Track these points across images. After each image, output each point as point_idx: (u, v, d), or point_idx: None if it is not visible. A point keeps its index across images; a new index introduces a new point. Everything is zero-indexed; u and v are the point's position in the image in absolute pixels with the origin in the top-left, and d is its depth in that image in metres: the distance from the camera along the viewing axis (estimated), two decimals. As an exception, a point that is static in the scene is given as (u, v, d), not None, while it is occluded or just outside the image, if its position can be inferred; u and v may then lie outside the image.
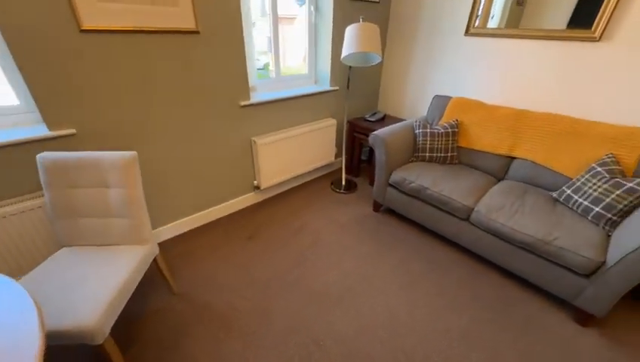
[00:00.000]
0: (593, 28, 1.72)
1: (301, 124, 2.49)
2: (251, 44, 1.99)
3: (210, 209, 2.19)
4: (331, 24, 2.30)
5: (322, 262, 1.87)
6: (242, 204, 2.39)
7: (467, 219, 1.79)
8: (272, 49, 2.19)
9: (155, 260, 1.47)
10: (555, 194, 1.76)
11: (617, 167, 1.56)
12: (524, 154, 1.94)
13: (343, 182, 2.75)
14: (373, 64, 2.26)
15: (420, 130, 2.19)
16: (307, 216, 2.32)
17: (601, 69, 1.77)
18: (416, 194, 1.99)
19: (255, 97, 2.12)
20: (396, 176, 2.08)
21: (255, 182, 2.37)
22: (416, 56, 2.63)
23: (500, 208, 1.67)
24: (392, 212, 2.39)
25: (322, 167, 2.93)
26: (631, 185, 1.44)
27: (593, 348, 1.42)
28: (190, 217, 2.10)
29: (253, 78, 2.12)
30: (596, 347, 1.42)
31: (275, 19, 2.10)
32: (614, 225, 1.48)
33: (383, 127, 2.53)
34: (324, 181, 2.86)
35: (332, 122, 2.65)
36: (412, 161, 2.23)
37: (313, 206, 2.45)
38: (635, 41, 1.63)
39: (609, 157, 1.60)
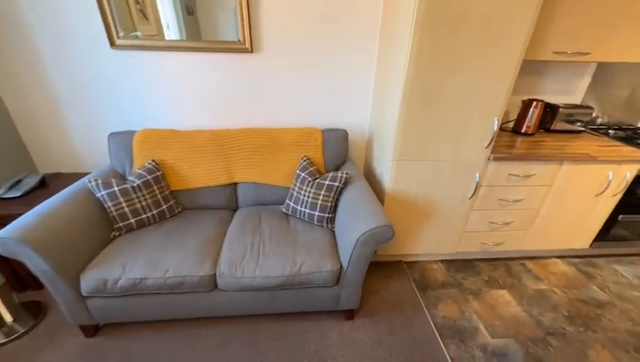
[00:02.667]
0: (242, 40, 1.68)
1: None
2: None
3: None
4: None
5: None
6: None
7: (215, 287, 1.37)
8: None
9: None
10: (284, 209, 1.70)
11: (314, 168, 1.68)
12: (243, 177, 1.76)
13: (9, 319, 1.50)
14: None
15: (104, 193, 1.44)
16: None
17: (266, 77, 1.82)
18: (135, 291, 1.30)
19: None
20: (88, 282, 1.26)
21: None
22: (55, 79, 1.72)
23: (243, 257, 1.37)
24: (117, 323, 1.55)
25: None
26: (327, 182, 1.56)
27: (364, 334, 1.51)
28: None
29: None
30: (363, 330, 1.52)
31: None
32: (332, 221, 1.60)
33: (47, 197, 1.54)
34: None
35: None
36: (115, 238, 1.47)
37: None
38: (277, 52, 1.74)
39: (305, 161, 1.69)
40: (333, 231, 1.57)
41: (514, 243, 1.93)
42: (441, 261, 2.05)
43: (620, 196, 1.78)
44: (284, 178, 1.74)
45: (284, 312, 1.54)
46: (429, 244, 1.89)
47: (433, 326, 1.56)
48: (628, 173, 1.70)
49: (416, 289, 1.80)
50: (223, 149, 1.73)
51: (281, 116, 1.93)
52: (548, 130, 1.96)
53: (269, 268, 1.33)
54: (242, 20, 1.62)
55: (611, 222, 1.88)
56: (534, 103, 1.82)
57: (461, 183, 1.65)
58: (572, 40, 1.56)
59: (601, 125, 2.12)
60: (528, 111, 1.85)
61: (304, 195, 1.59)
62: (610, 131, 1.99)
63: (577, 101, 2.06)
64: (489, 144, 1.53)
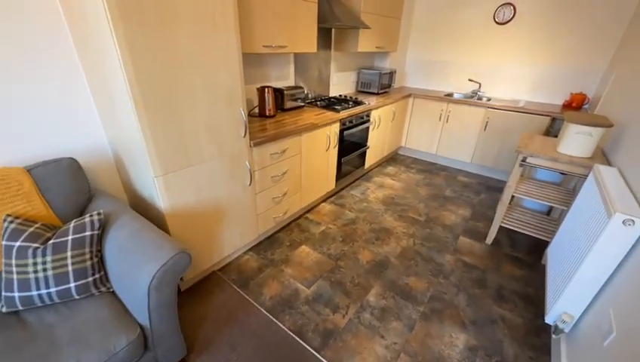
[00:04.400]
0: None
1: None
2: None
3: None
4: None
5: None
6: None
7: None
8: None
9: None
10: (2, 308, 1.05)
11: (36, 226, 1.12)
12: None
13: None
14: None
15: None
16: None
17: None
18: None
19: None
20: None
21: None
22: None
23: None
24: None
25: None
26: (70, 237, 1.10)
27: (206, 372, 1.33)
28: None
29: None
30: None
31: None
32: (105, 279, 1.18)
33: None
34: None
35: None
36: None
37: None
38: None
39: (11, 223, 1.08)
40: (113, 291, 1.18)
41: (295, 206, 2.33)
42: (250, 249, 2.12)
43: (337, 147, 2.54)
44: (-20, 263, 1.05)
45: None
46: (233, 241, 1.88)
47: (266, 313, 1.62)
48: (336, 130, 2.44)
49: (239, 290, 1.77)
50: None
51: None
52: (283, 110, 2.41)
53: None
54: None
55: (339, 164, 2.68)
56: (266, 89, 2.13)
57: (237, 175, 1.71)
58: (274, 37, 1.90)
59: (312, 99, 2.86)
60: (265, 97, 2.15)
61: (36, 271, 1.04)
62: (318, 102, 2.74)
63: (292, 83, 2.64)
64: (245, 133, 1.64)
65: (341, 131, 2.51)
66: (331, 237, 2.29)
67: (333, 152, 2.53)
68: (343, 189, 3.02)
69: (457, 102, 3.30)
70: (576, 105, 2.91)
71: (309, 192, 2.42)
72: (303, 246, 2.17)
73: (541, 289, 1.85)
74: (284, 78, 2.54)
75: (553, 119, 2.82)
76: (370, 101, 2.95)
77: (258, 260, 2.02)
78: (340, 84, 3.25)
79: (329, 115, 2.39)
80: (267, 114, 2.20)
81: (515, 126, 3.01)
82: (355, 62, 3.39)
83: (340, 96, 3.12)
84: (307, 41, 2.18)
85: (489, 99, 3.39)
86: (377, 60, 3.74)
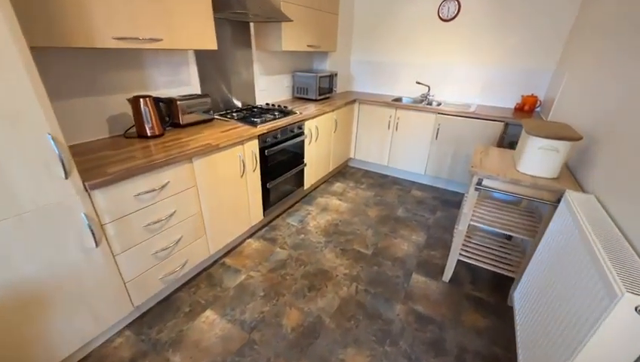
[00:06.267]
0: None
1: None
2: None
3: None
4: None
5: None
6: None
7: None
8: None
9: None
10: None
11: None
12: None
13: None
14: None
15: None
16: None
17: None
18: None
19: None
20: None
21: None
22: None
23: None
24: None
25: None
26: None
27: None
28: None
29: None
30: None
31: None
32: None
33: None
34: None
35: None
36: None
37: None
38: None
39: None
40: None
41: (200, 254, 1.74)
42: (125, 327, 1.50)
43: (258, 169, 2.00)
44: None
45: None
46: (81, 331, 1.25)
47: None
48: (254, 149, 1.90)
49: (85, 410, 1.15)
50: None
51: None
52: (179, 126, 1.82)
53: None
54: None
55: (265, 190, 2.14)
56: (142, 100, 1.54)
57: (63, 237, 1.09)
58: (136, 25, 1.32)
59: (225, 110, 2.29)
60: (141, 111, 1.55)
61: None
62: (234, 114, 2.18)
63: (197, 90, 2.05)
64: (67, 173, 1.04)
65: (262, 150, 1.98)
66: (250, 291, 1.73)
67: (254, 177, 1.99)
68: (278, 217, 2.48)
69: (406, 107, 2.93)
70: (529, 109, 2.67)
71: (222, 232, 1.84)
72: (208, 312, 1.59)
73: (510, 346, 1.45)
74: (182, 83, 1.94)
75: (507, 124, 2.53)
76: (305, 109, 2.46)
77: (135, 344, 1.41)
78: (271, 89, 2.73)
79: (243, 129, 1.85)
80: (148, 134, 1.60)
81: (468, 132, 2.69)
82: (289, 63, 2.89)
83: (267, 104, 2.59)
84: (199, 35, 1.62)
85: (439, 104, 3.07)
86: (316, 62, 3.27)
